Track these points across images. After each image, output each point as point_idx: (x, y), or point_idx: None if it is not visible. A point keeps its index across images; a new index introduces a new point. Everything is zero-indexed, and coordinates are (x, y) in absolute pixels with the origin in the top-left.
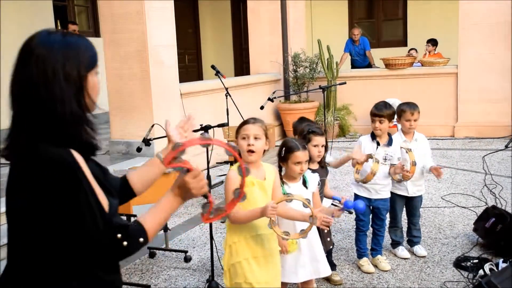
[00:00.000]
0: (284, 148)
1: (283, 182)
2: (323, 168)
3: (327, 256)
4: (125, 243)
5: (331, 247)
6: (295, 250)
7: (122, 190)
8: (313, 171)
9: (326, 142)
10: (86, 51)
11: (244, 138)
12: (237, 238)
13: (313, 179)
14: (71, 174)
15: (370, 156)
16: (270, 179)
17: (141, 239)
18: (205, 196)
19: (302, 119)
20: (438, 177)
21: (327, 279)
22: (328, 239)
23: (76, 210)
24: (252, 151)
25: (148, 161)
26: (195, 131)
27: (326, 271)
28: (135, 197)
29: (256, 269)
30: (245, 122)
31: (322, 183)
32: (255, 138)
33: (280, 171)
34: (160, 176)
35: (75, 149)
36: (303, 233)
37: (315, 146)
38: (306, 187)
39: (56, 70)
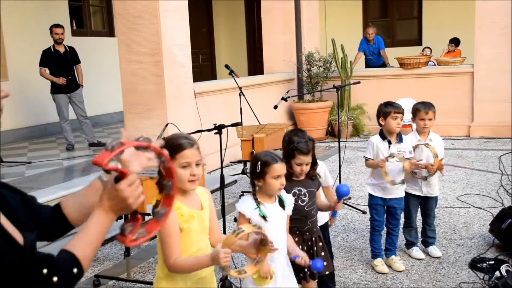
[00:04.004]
0: (259, 163)
1: (258, 203)
2: (313, 180)
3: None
4: (55, 278)
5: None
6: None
7: (53, 222)
8: (298, 182)
9: (314, 157)
10: None
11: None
12: None
13: (290, 199)
14: None
15: (391, 156)
16: (207, 206)
17: (75, 270)
18: (134, 212)
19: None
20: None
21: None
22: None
23: None
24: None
25: (87, 185)
26: (209, 130)
27: None
28: (72, 230)
29: None
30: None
31: (310, 195)
32: (197, 164)
33: (253, 189)
34: None
35: None
36: (260, 261)
37: (298, 164)
38: (284, 208)
39: None
